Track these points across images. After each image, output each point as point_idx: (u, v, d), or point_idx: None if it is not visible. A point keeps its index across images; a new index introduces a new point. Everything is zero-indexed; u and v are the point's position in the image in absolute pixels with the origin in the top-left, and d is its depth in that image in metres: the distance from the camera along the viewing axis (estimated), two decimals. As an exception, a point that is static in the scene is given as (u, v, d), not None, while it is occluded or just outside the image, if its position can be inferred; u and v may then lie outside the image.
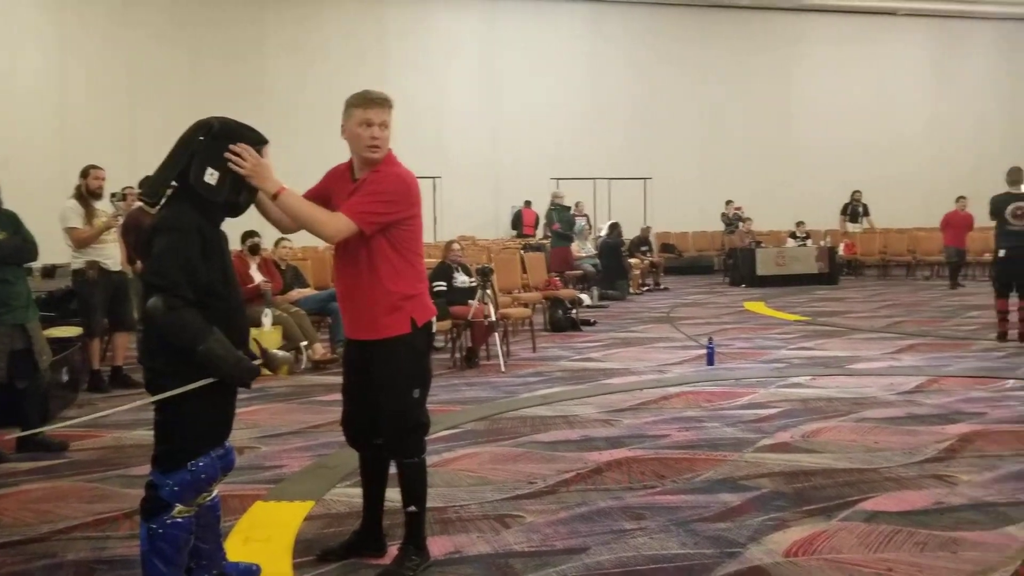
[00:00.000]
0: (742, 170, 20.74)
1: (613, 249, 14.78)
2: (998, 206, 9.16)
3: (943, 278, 17.36)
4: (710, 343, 8.22)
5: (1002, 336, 9.17)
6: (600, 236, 15.56)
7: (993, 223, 9.33)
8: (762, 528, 3.91)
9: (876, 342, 9.31)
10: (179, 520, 2.91)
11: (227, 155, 2.94)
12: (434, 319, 3.56)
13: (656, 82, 20.48)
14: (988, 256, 14.30)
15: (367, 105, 3.30)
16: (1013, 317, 9.19)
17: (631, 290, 15.12)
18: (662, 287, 16.22)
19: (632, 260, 15.72)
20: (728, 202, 18.97)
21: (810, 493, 4.38)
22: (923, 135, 22.09)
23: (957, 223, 15.59)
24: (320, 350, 8.18)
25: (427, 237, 16.00)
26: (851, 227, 19.19)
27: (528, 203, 18.53)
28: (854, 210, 19.28)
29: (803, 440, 5.38)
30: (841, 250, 17.73)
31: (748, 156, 20.95)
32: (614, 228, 15.21)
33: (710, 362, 7.97)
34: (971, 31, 22.61)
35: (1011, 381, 7.13)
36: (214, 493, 3.12)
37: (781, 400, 6.48)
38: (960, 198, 15.73)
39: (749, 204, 19.01)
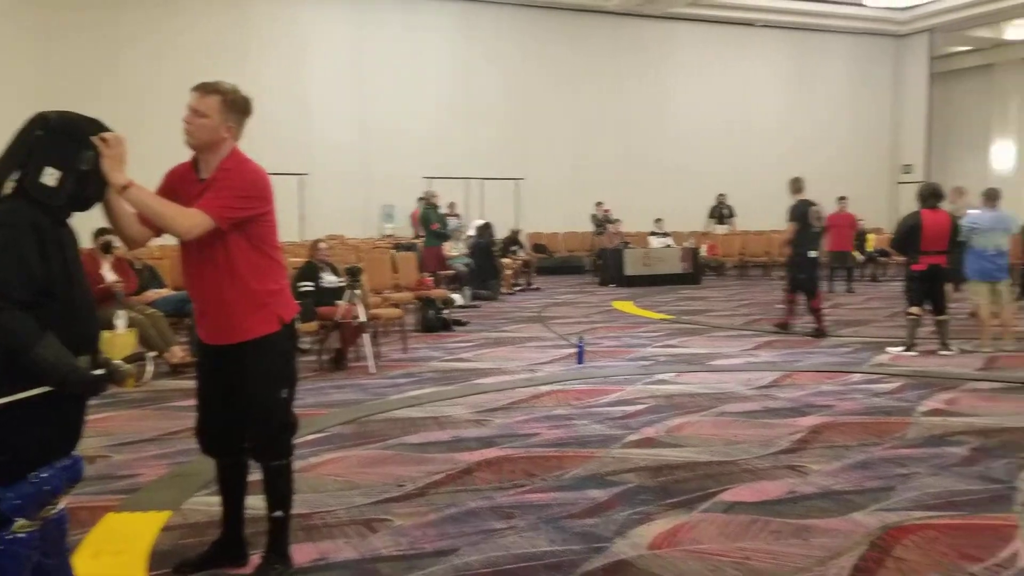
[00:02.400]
0: (612, 172, 21.22)
1: (484, 249, 14.84)
2: (801, 211, 9.94)
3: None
4: (580, 342, 8.36)
5: (784, 326, 10.04)
6: (471, 236, 15.60)
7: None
8: (628, 522, 3.99)
9: (735, 339, 9.70)
10: (21, 536, 2.71)
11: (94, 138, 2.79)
12: (298, 316, 3.49)
13: (528, 83, 20.70)
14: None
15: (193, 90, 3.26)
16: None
17: (503, 290, 15.22)
18: (533, 287, 16.40)
19: (504, 260, 15.83)
20: (598, 203, 19.38)
21: (673, 486, 4.52)
22: (779, 140, 23.17)
23: (842, 224, 15.08)
24: (179, 353, 7.84)
25: (293, 236, 15.72)
26: (719, 229, 19.94)
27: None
28: (720, 212, 20.11)
29: (667, 435, 5.54)
30: (704, 251, 18.39)
31: (618, 158, 21.47)
32: (485, 228, 15.28)
33: (580, 360, 8.10)
34: (825, 43, 23.88)
35: (857, 375, 7.57)
36: (60, 506, 2.92)
37: (647, 396, 6.65)
38: (841, 198, 15.42)
39: (618, 205, 19.47)
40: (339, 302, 7.96)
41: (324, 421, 5.94)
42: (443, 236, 14.28)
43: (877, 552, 3.65)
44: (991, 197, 9.16)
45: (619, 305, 13.36)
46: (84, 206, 2.90)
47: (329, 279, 8.34)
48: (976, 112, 25.18)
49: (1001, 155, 24.66)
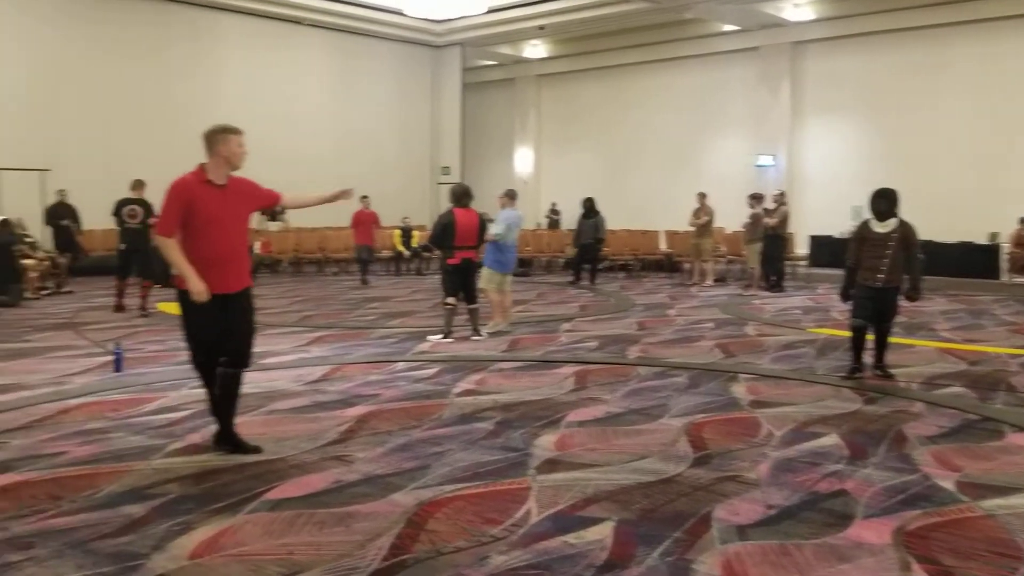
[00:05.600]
0: (153, 165, 19.88)
1: (3, 249, 13.03)
2: (118, 207, 11.74)
3: (350, 274, 18.87)
4: (117, 348, 7.75)
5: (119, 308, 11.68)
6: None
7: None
8: (167, 535, 3.81)
9: (288, 336, 9.72)
10: None
11: None
12: None
13: (62, 66, 18.54)
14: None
15: (239, 132, 5.17)
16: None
17: (28, 294, 13.51)
18: (66, 290, 14.80)
19: (28, 261, 14.04)
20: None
21: (219, 491, 4.40)
22: (328, 141, 23.58)
23: (364, 221, 16.86)
24: None
25: None
26: (271, 226, 19.80)
27: None
28: (272, 210, 19.91)
29: (213, 440, 5.37)
30: (258, 248, 18.10)
31: (162, 152, 20.17)
32: (4, 225, 13.43)
33: (118, 368, 7.51)
34: (370, 47, 24.74)
35: (401, 364, 8.03)
36: None
37: (193, 402, 6.37)
38: (364, 197, 16.76)
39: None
40: None
41: None
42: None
43: (412, 528, 3.91)
44: (511, 196, 10.32)
45: (165, 307, 12.61)
46: None
47: None
48: (502, 121, 28.10)
49: (522, 160, 27.85)
